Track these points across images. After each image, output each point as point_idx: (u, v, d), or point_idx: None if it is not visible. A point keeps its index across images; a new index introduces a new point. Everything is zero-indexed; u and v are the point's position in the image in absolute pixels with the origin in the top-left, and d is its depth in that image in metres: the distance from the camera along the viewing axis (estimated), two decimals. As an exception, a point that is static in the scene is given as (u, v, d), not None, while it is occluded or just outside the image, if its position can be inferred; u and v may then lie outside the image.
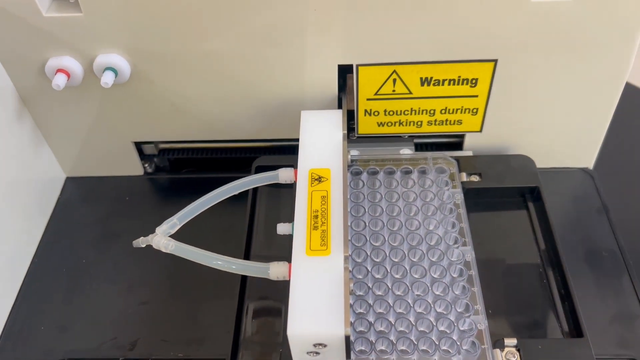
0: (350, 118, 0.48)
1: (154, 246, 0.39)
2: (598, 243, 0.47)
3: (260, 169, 0.48)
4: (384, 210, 0.43)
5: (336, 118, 0.44)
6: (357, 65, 0.44)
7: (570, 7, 0.40)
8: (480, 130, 0.49)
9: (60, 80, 0.44)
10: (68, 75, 0.44)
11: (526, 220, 0.47)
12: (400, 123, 0.48)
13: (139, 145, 0.53)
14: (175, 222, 0.39)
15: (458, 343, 0.37)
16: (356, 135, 0.49)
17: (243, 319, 0.41)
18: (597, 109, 0.47)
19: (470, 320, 0.38)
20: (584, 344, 0.38)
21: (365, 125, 0.49)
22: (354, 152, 0.48)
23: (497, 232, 0.46)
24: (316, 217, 0.38)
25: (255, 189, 0.48)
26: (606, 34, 0.42)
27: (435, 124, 0.48)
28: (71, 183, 0.54)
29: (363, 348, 0.37)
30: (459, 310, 0.38)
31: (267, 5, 0.41)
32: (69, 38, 0.43)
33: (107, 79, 0.43)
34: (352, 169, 0.47)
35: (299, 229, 0.37)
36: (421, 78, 0.45)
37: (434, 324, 0.38)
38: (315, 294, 0.34)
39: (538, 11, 0.41)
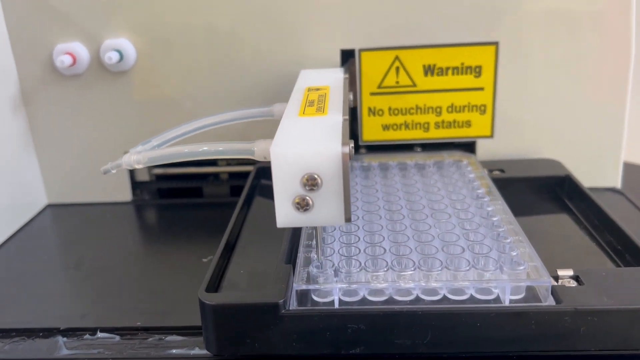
0: (353, 122, 0.46)
1: (125, 166, 0.33)
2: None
3: (262, 171, 0.45)
4: (400, 190, 0.39)
5: (337, 71, 0.42)
6: (360, 50, 0.45)
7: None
8: (492, 135, 0.46)
9: (66, 59, 0.44)
10: (74, 58, 0.45)
11: (564, 213, 0.41)
12: (407, 125, 0.46)
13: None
14: (152, 143, 0.34)
15: (498, 261, 0.29)
16: (361, 142, 0.47)
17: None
18: (608, 108, 0.46)
19: (509, 246, 0.31)
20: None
21: (370, 129, 0.47)
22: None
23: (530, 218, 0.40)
24: (312, 102, 0.33)
25: (250, 200, 0.44)
26: (601, 13, 0.43)
27: (443, 126, 0.46)
28: (51, 210, 0.49)
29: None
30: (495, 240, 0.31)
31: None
32: (80, 21, 0.45)
33: (113, 55, 0.44)
34: (360, 163, 0.44)
35: (293, 105, 0.32)
36: (424, 66, 0.45)
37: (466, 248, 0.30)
38: (309, 127, 0.28)
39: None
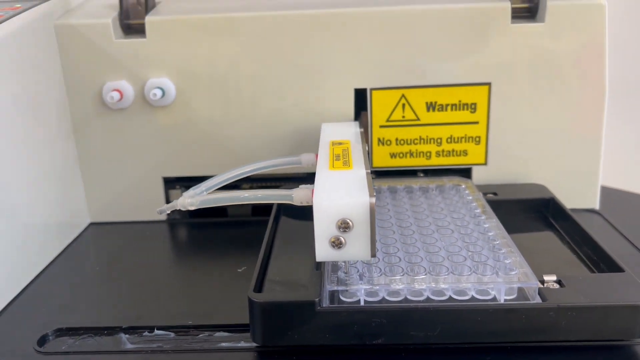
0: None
1: (179, 207, 0.39)
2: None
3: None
4: (409, 209, 0.45)
5: (353, 124, 0.49)
6: (371, 89, 0.51)
7: (543, 30, 0.50)
8: (485, 163, 0.53)
9: (115, 95, 0.50)
10: (121, 95, 0.51)
11: (549, 230, 0.47)
12: (411, 154, 0.53)
13: (167, 189, 0.56)
14: (202, 188, 0.40)
15: (494, 267, 0.35)
16: (371, 168, 0.53)
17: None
18: (587, 138, 0.53)
19: (503, 255, 0.37)
20: (627, 277, 0.36)
21: (379, 157, 0.53)
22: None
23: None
24: (338, 156, 0.40)
25: (277, 219, 0.50)
26: (579, 57, 0.50)
27: (443, 155, 0.53)
28: (94, 228, 0.55)
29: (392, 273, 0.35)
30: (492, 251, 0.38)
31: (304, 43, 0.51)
32: (128, 62, 0.51)
33: (157, 92, 0.50)
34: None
35: (323, 159, 0.39)
36: (426, 103, 0.52)
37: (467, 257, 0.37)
38: (341, 180, 0.34)
39: (518, 34, 0.50)
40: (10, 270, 0.43)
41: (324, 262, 0.37)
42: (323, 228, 0.32)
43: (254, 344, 0.35)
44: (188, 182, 0.53)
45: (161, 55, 0.51)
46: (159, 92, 0.50)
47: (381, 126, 0.52)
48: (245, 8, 0.52)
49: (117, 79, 0.52)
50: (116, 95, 0.51)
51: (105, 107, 0.52)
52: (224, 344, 0.36)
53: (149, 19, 0.51)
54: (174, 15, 0.52)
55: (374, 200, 0.32)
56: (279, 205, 0.50)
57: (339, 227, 0.32)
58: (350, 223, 0.32)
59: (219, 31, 0.51)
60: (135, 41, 0.51)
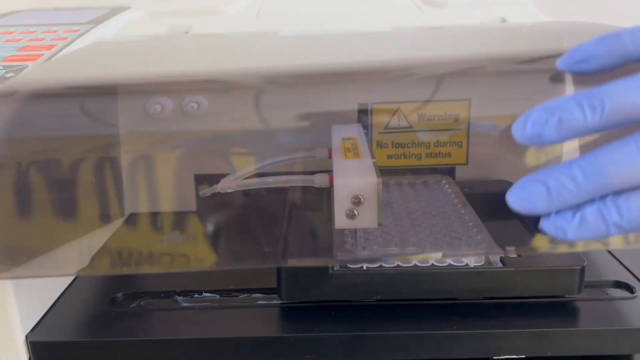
0: (366, 154, 0.63)
1: (219, 189, 0.50)
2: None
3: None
4: (400, 199, 0.56)
5: (357, 126, 0.59)
6: (372, 104, 0.62)
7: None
8: (466, 163, 0.64)
9: (157, 107, 0.61)
10: (162, 107, 0.62)
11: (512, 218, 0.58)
12: (405, 156, 0.63)
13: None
14: (237, 175, 0.51)
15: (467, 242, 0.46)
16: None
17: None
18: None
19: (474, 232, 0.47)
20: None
21: (378, 158, 0.63)
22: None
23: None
24: (348, 149, 0.50)
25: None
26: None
27: (431, 157, 0.63)
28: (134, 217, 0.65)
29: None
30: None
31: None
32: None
33: (194, 105, 0.61)
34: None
35: (337, 151, 0.49)
36: (418, 114, 0.62)
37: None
38: (353, 166, 0.45)
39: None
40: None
41: (334, 234, 0.47)
42: (340, 203, 0.41)
43: (282, 301, 0.45)
44: (216, 180, 0.63)
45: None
46: (195, 105, 0.61)
47: (380, 132, 0.63)
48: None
49: (160, 96, 0.62)
50: (158, 107, 0.61)
51: (150, 118, 0.63)
52: (260, 302, 0.47)
53: (186, 45, 0.62)
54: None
55: (380, 180, 0.42)
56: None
57: (353, 202, 0.42)
58: (362, 198, 0.41)
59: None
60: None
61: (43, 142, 0.51)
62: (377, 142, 0.63)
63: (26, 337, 0.43)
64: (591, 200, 0.31)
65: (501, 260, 0.45)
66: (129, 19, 0.64)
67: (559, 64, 0.34)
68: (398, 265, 0.45)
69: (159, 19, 0.64)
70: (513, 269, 0.44)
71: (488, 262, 0.45)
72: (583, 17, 0.73)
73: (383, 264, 0.45)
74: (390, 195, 0.57)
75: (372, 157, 0.46)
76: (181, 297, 0.48)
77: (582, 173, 0.30)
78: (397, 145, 0.64)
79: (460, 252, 0.45)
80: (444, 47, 0.61)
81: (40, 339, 0.43)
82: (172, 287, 0.49)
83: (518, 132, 0.32)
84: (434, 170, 0.64)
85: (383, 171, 0.65)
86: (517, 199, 0.33)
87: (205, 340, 0.43)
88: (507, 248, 0.46)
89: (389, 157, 0.64)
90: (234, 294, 0.48)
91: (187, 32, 0.65)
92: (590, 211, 0.31)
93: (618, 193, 0.30)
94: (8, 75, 0.45)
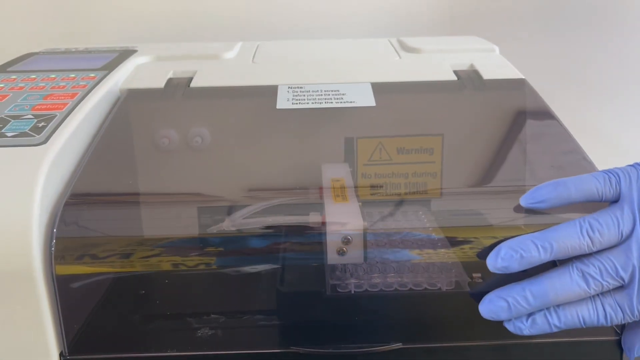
0: (352, 183, 0.71)
1: (225, 228, 0.57)
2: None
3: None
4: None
5: (344, 165, 0.67)
6: (357, 138, 0.70)
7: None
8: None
9: (166, 141, 0.68)
10: (170, 140, 0.68)
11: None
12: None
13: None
14: (239, 215, 0.58)
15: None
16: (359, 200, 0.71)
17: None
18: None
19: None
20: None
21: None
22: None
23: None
24: (337, 192, 0.58)
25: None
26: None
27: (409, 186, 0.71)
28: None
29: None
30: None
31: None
32: (173, 122, 0.69)
33: (199, 139, 0.68)
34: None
35: (327, 194, 0.57)
36: (397, 148, 0.70)
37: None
38: (342, 209, 0.52)
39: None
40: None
41: (326, 265, 0.54)
42: (332, 242, 0.50)
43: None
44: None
45: (199, 116, 0.69)
46: (199, 140, 0.68)
47: (364, 164, 0.71)
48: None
49: (167, 130, 0.69)
50: (166, 141, 0.68)
51: (158, 149, 0.69)
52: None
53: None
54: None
55: (365, 224, 0.50)
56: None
57: (343, 241, 0.50)
58: (350, 238, 0.49)
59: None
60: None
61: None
62: (362, 174, 0.71)
63: (60, 354, 0.49)
64: (539, 309, 0.44)
65: (468, 284, 0.53)
66: (137, 65, 0.70)
67: (522, 202, 0.46)
68: (381, 290, 0.52)
69: (165, 63, 0.71)
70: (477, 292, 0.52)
71: (459, 286, 0.53)
72: (546, 61, 0.82)
73: (367, 289, 0.52)
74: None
75: (358, 200, 0.54)
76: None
77: (532, 295, 0.44)
78: (379, 176, 0.71)
79: (434, 278, 0.53)
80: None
81: (74, 357, 0.49)
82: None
83: (491, 264, 0.45)
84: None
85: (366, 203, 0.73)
86: (487, 310, 0.46)
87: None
88: (474, 275, 0.55)
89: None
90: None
91: (192, 77, 0.71)
92: (539, 317, 0.44)
93: (558, 305, 0.44)
94: (40, 125, 0.51)
